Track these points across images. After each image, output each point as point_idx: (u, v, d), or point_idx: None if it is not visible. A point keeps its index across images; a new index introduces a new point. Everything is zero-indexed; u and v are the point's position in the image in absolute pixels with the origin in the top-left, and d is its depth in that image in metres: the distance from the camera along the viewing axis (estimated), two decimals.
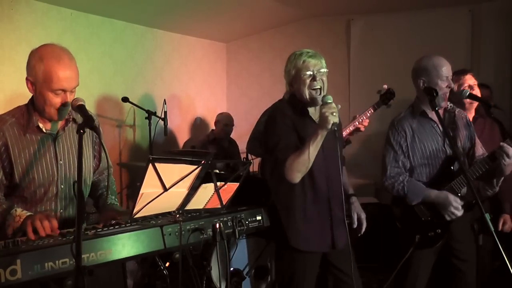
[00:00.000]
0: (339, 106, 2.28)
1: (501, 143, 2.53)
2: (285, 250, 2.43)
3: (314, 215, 2.38)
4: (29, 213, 1.92)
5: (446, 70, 2.61)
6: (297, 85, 2.36)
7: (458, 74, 3.11)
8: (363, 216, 2.56)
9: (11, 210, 1.91)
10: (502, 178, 2.64)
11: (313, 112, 2.42)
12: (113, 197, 2.27)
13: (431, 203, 2.60)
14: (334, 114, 2.18)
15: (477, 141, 2.78)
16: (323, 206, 2.39)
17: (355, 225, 2.51)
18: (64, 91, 1.95)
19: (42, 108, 1.98)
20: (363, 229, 2.56)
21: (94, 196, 2.28)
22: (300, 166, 2.24)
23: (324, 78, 2.34)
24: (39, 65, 1.93)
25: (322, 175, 2.36)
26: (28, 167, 1.97)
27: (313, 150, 2.23)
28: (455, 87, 3.03)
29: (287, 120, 2.36)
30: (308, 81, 2.32)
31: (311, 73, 2.31)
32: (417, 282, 2.67)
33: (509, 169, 2.55)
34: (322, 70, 2.34)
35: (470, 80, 3.11)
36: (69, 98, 1.97)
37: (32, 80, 1.96)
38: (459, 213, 2.54)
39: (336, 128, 2.24)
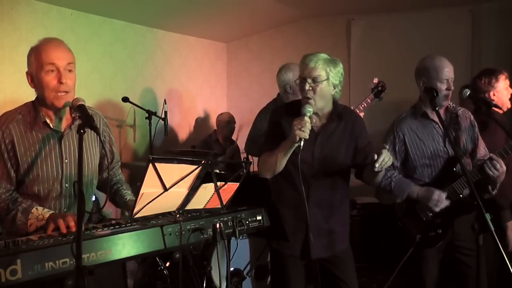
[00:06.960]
0: (314, 120, 2.26)
1: (490, 154, 2.53)
2: (271, 248, 2.51)
3: (289, 218, 2.35)
4: (51, 211, 1.95)
5: (446, 72, 2.59)
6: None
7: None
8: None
9: (31, 208, 1.93)
10: (498, 185, 2.59)
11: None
12: (129, 192, 2.25)
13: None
14: (303, 129, 2.11)
15: (480, 142, 2.74)
16: (299, 212, 2.28)
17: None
18: (56, 67, 1.93)
19: (43, 97, 1.96)
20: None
21: (109, 192, 2.23)
22: (268, 167, 2.30)
23: (318, 87, 2.23)
24: (33, 53, 1.97)
25: (300, 182, 2.22)
26: (33, 165, 1.97)
27: (281, 157, 2.23)
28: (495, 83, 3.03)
29: (277, 123, 2.38)
30: (300, 85, 2.30)
31: (303, 77, 2.27)
32: (428, 277, 2.63)
33: (502, 178, 2.54)
34: (318, 77, 2.24)
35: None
36: (65, 76, 1.93)
37: (29, 71, 1.98)
38: (442, 204, 2.53)
39: (301, 144, 2.12)
